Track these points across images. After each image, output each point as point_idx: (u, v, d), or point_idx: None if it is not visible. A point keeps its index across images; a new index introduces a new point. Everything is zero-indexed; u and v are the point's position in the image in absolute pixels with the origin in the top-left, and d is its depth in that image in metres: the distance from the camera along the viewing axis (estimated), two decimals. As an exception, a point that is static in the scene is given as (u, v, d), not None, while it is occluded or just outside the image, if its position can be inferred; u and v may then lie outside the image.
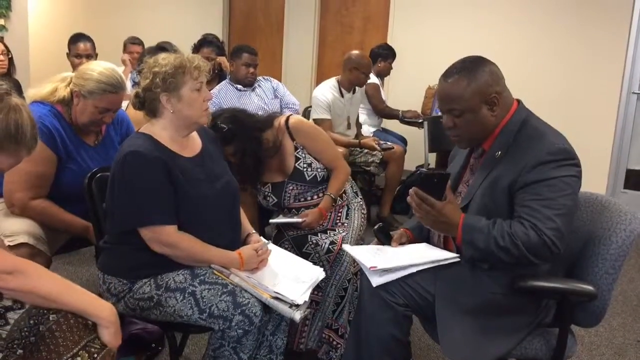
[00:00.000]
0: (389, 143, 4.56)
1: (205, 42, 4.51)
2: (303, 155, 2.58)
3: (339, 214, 2.64)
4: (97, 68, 2.26)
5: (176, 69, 1.91)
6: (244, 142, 2.46)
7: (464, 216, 1.81)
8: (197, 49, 4.44)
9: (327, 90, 4.35)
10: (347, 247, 2.13)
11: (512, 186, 1.76)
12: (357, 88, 4.55)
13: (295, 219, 2.51)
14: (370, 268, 1.86)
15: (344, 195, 2.69)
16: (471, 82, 1.79)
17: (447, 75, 1.85)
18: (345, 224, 2.60)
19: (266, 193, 2.60)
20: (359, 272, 2.54)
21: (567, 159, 1.73)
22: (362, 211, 2.71)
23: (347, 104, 4.45)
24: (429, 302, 1.84)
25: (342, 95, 4.40)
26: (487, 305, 1.79)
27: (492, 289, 1.79)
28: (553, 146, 1.73)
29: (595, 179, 5.22)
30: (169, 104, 1.93)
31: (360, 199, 2.77)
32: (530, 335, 1.82)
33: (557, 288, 1.77)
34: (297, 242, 2.49)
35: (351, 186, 2.77)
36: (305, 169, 2.57)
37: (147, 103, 1.96)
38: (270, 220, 2.54)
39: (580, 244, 1.89)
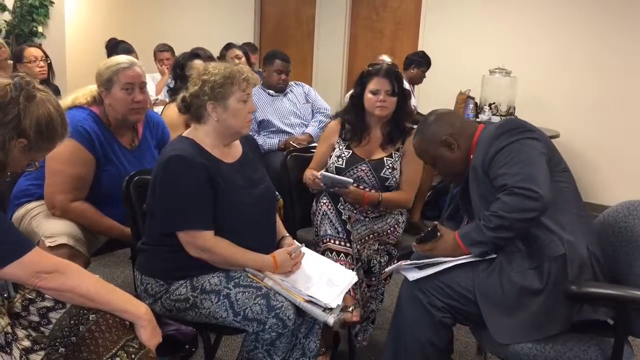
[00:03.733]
0: None
1: (230, 46, 4.52)
2: (396, 159, 2.67)
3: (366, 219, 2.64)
4: (104, 63, 2.38)
5: (225, 79, 1.94)
6: (405, 98, 2.70)
7: (457, 232, 1.96)
8: (222, 56, 4.45)
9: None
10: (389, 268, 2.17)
11: (484, 168, 1.91)
12: None
13: (345, 178, 2.56)
14: (402, 264, 1.94)
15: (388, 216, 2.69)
16: (423, 138, 2.11)
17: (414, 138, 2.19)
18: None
19: (343, 155, 2.68)
20: (389, 278, 2.55)
21: (517, 127, 1.91)
22: (393, 229, 2.68)
23: None
24: (469, 300, 1.86)
25: None
26: (528, 300, 1.80)
27: (527, 284, 1.81)
28: (501, 122, 2.01)
29: (634, 185, 5.12)
30: (214, 112, 1.96)
31: (403, 221, 2.76)
32: (585, 345, 1.78)
33: (613, 295, 1.71)
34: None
35: (402, 221, 2.76)
36: (387, 167, 2.65)
37: (193, 108, 1.99)
38: (322, 172, 2.57)
39: (629, 251, 1.85)
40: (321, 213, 2.48)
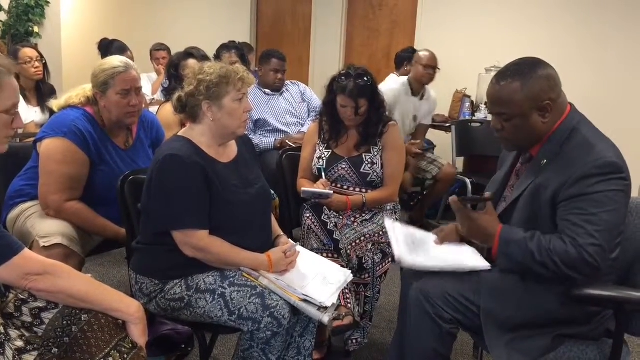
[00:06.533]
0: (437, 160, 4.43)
1: (224, 48, 4.46)
2: (375, 154, 2.68)
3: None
4: (99, 64, 2.35)
5: (221, 79, 1.94)
6: (377, 102, 2.66)
7: (502, 227, 1.77)
8: (217, 57, 4.40)
9: (397, 85, 4.31)
10: (388, 223, 2.08)
11: (555, 197, 1.70)
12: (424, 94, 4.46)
13: (325, 191, 2.55)
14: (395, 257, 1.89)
15: (379, 217, 2.66)
16: (525, 87, 1.72)
17: (500, 77, 1.77)
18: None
19: (324, 156, 2.71)
20: (384, 275, 2.53)
21: (614, 172, 1.65)
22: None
23: (417, 104, 4.37)
24: (474, 314, 1.80)
25: (413, 95, 4.34)
26: (539, 318, 1.74)
27: (545, 298, 1.73)
28: (600, 159, 1.66)
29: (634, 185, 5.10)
30: (209, 111, 1.96)
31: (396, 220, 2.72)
32: (584, 345, 1.75)
33: (612, 297, 1.68)
34: None
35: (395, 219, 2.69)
36: (366, 163, 2.66)
37: (189, 108, 1.99)
38: (303, 189, 2.58)
39: (635, 252, 1.83)
40: (306, 228, 2.49)
